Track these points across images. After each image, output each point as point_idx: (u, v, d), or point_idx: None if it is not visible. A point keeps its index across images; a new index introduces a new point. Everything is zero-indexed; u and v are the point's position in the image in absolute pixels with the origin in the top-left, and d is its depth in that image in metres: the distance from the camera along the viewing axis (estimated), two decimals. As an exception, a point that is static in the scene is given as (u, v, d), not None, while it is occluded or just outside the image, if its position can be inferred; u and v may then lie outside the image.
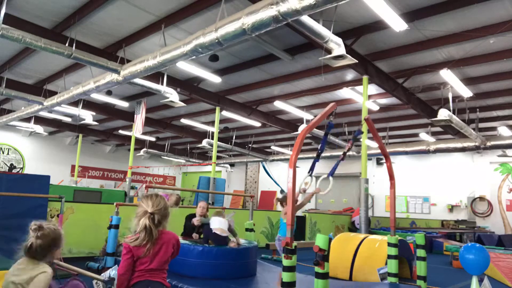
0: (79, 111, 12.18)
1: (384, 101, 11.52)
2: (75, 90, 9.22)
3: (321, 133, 12.84)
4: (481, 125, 12.70)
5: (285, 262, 3.34)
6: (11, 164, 18.49)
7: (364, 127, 8.47)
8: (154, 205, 2.46)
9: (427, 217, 16.73)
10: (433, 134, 14.16)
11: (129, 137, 16.86)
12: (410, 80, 9.62)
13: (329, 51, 6.16)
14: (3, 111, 14.16)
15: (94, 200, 11.05)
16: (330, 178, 4.29)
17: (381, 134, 13.67)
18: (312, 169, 4.39)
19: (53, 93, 10.78)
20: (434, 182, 16.95)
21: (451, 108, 9.62)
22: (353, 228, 12.77)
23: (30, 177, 6.62)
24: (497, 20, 6.76)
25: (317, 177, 4.26)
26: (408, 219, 16.18)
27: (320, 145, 4.63)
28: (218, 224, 4.90)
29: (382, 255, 5.76)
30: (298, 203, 4.21)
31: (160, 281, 2.49)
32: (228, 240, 5.16)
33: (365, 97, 8.75)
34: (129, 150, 16.37)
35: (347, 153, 4.68)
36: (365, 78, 8.67)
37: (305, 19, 5.31)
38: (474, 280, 4.15)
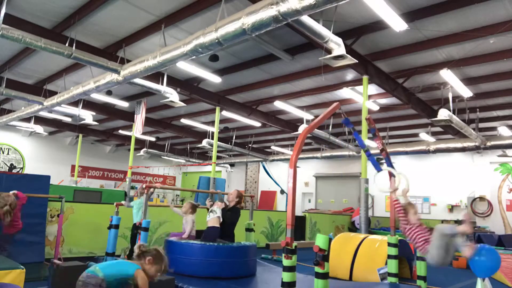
0: (79, 111, 12.17)
1: (384, 101, 11.52)
2: (75, 90, 9.22)
3: (321, 133, 12.81)
4: (481, 125, 12.70)
5: (285, 262, 3.35)
6: (11, 164, 18.48)
7: (364, 127, 8.49)
8: None
9: (427, 217, 16.71)
10: (433, 134, 14.16)
11: (129, 137, 16.84)
12: (410, 80, 9.61)
13: (329, 51, 6.16)
14: (3, 111, 14.15)
15: (94, 200, 11.06)
16: (402, 172, 4.48)
17: (381, 134, 13.65)
18: (390, 164, 4.76)
19: (53, 93, 10.77)
20: (434, 182, 16.93)
21: (451, 108, 9.61)
22: (353, 228, 12.78)
23: (30, 177, 6.61)
24: (497, 20, 6.76)
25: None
26: (408, 219, 16.14)
27: (358, 142, 4.84)
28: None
29: (382, 255, 5.76)
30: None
31: None
32: None
33: (365, 97, 8.75)
34: (129, 150, 16.36)
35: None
36: (365, 78, 8.66)
37: (305, 19, 5.31)
38: (479, 282, 3.85)
